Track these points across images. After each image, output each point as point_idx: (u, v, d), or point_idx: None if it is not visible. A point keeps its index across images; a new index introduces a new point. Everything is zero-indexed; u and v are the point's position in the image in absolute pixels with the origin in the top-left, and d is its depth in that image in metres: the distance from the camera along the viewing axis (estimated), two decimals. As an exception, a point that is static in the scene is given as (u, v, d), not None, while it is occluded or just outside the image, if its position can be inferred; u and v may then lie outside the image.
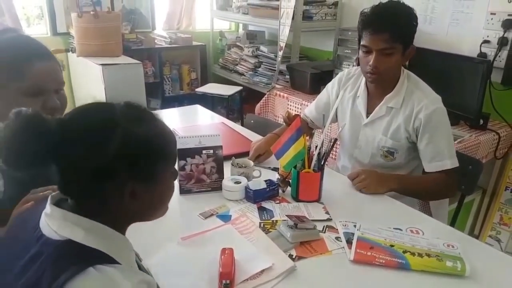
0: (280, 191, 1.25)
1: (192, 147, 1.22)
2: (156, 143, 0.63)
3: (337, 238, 1.04)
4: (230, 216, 1.13)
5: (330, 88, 1.59)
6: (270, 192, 1.22)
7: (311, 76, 2.56)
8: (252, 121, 2.06)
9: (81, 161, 0.58)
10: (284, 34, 2.69)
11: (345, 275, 0.93)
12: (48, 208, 0.61)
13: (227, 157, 1.32)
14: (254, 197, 1.18)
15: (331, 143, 1.24)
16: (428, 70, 2.04)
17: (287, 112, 1.33)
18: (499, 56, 2.03)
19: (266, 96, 2.77)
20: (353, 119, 1.49)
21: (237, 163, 1.31)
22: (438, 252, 0.97)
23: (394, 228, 1.08)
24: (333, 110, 1.32)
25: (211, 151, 1.24)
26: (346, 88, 1.52)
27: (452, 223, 1.63)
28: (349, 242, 1.01)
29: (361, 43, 1.32)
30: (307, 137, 1.23)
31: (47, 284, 0.53)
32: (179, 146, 1.21)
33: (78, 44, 2.89)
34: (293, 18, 2.63)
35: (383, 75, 1.32)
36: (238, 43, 3.52)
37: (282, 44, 2.73)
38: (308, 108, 1.69)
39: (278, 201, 1.21)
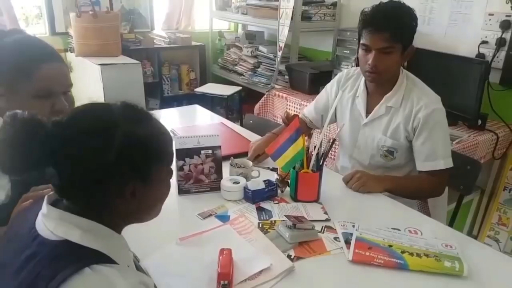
0: (279, 191, 1.25)
1: (191, 147, 1.22)
2: (155, 142, 0.63)
3: (336, 238, 1.04)
4: (229, 216, 1.13)
5: (329, 88, 1.60)
6: (269, 192, 1.22)
7: (310, 76, 2.56)
8: (251, 121, 2.06)
9: (82, 164, 0.58)
10: (283, 34, 2.69)
11: (343, 275, 0.93)
12: (45, 208, 0.61)
13: (226, 157, 1.33)
14: (253, 197, 1.18)
15: (330, 144, 1.24)
16: (426, 70, 2.04)
17: (286, 112, 1.33)
18: (497, 57, 2.04)
19: (265, 96, 2.77)
20: (352, 119, 1.49)
21: (236, 163, 1.32)
22: (436, 252, 0.97)
23: (392, 228, 1.09)
24: (332, 110, 1.32)
25: (210, 151, 1.24)
26: (345, 88, 1.52)
27: (451, 223, 1.63)
28: (347, 242, 1.01)
29: (361, 41, 1.32)
30: (306, 138, 1.23)
31: (44, 284, 0.53)
32: (178, 146, 1.21)
33: (76, 44, 2.88)
34: (292, 18, 2.64)
35: (382, 74, 1.32)
36: (237, 43, 3.52)
37: (281, 45, 2.73)
38: (307, 109, 1.70)
39: (276, 201, 1.21)
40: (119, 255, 0.62)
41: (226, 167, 1.29)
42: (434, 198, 1.72)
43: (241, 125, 2.10)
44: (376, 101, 1.42)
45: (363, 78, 1.44)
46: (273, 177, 1.28)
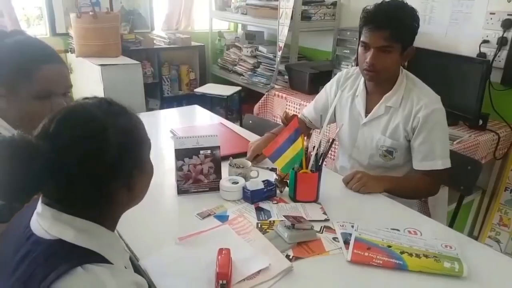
0: (277, 191, 1.25)
1: (190, 148, 1.22)
2: (139, 130, 0.65)
3: (335, 239, 1.03)
4: (228, 216, 1.12)
5: (329, 88, 1.59)
6: (268, 192, 1.21)
7: (309, 76, 2.56)
8: (250, 122, 2.05)
9: (85, 171, 0.57)
10: (283, 34, 2.69)
11: (342, 276, 0.92)
12: (40, 207, 0.61)
13: (225, 158, 1.32)
14: (252, 197, 1.18)
15: (329, 144, 1.23)
16: (427, 70, 2.04)
17: (285, 112, 1.32)
18: (499, 56, 2.03)
19: (264, 96, 2.77)
20: (351, 118, 1.49)
21: (235, 164, 1.31)
22: (436, 253, 0.96)
23: (391, 229, 1.08)
24: (331, 110, 1.32)
25: (209, 152, 1.23)
26: (345, 88, 1.52)
27: (451, 224, 1.62)
28: (346, 242, 1.01)
29: (361, 39, 1.31)
30: (305, 138, 1.23)
31: (37, 283, 0.53)
32: (177, 146, 1.21)
33: (77, 44, 2.89)
34: (291, 18, 2.63)
35: (380, 73, 1.31)
36: (237, 44, 3.51)
37: (281, 44, 2.72)
38: (307, 108, 1.69)
39: (275, 202, 1.21)
40: (114, 254, 0.62)
41: (225, 167, 1.29)
42: (434, 198, 1.71)
43: (241, 125, 2.10)
44: (375, 101, 1.41)
45: (363, 78, 1.43)
46: (272, 177, 1.27)
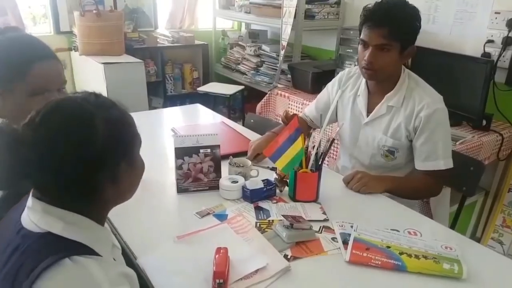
0: (277, 190, 1.24)
1: (190, 146, 1.22)
2: (127, 123, 0.65)
3: (334, 239, 1.03)
4: (227, 215, 1.12)
5: (331, 87, 1.58)
6: (267, 192, 1.21)
7: (312, 75, 2.55)
8: (252, 121, 2.05)
9: (71, 161, 0.57)
10: (286, 33, 2.68)
11: (340, 276, 0.92)
12: (30, 201, 0.62)
13: (226, 157, 1.32)
14: (251, 196, 1.18)
15: (329, 143, 1.23)
16: (430, 70, 2.02)
17: (285, 112, 1.32)
18: (503, 56, 2.00)
19: (267, 95, 2.76)
20: (353, 118, 1.48)
21: (235, 163, 1.31)
22: (435, 254, 0.95)
23: (391, 229, 1.07)
24: (331, 109, 1.31)
25: (209, 150, 1.23)
26: (347, 87, 1.51)
27: (453, 225, 1.61)
28: (345, 242, 1.00)
29: (360, 37, 1.31)
30: (305, 137, 1.22)
31: (25, 275, 0.54)
32: (177, 145, 1.21)
33: (80, 42, 2.90)
34: (295, 17, 2.62)
35: (378, 72, 1.30)
36: (240, 42, 3.51)
37: (284, 43, 2.72)
38: (308, 108, 1.69)
39: (275, 201, 1.20)
40: (102, 247, 0.62)
41: (225, 166, 1.29)
42: (436, 199, 1.70)
43: (243, 124, 2.10)
44: (377, 100, 1.40)
45: (365, 77, 1.42)
46: (272, 176, 1.27)
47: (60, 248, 0.56)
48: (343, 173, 1.49)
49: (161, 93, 3.53)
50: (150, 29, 3.54)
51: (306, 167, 1.19)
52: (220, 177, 1.25)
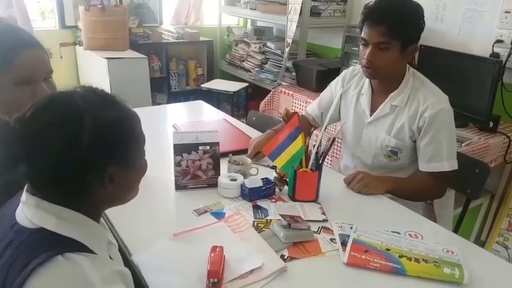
0: (277, 189, 1.22)
1: (189, 143, 1.20)
2: (125, 124, 0.63)
3: (332, 240, 1.01)
4: (224, 213, 1.10)
5: (334, 85, 1.56)
6: (266, 190, 1.19)
7: (317, 73, 2.52)
8: (254, 118, 2.03)
9: (56, 158, 0.56)
10: (291, 30, 2.65)
11: (337, 278, 0.90)
12: (24, 196, 0.61)
13: (226, 154, 1.30)
14: (250, 195, 1.16)
15: (330, 142, 1.20)
16: (437, 69, 1.99)
17: (286, 110, 1.30)
18: (512, 57, 1.96)
19: (271, 93, 2.74)
20: (356, 117, 1.45)
21: (234, 160, 1.29)
22: (436, 258, 0.93)
23: (392, 232, 1.05)
24: (332, 108, 1.28)
25: (208, 147, 1.21)
26: (350, 86, 1.49)
27: (457, 228, 1.58)
28: (344, 244, 0.98)
29: (361, 35, 1.28)
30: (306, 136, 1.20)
31: (18, 271, 0.53)
32: (175, 141, 1.19)
33: (85, 37, 2.90)
34: (300, 14, 2.59)
35: (378, 71, 1.28)
36: (245, 39, 3.48)
37: (289, 41, 2.69)
38: (311, 106, 1.66)
39: (274, 200, 1.18)
40: (97, 244, 0.61)
41: (225, 164, 1.27)
42: (440, 201, 1.68)
43: (246, 122, 2.08)
44: (381, 100, 1.38)
45: (368, 76, 1.39)
46: (272, 175, 1.25)
47: (53, 245, 0.55)
48: (345, 173, 1.47)
49: (165, 89, 3.52)
50: (155, 25, 3.52)
51: (306, 166, 1.17)
52: (219, 174, 1.23)
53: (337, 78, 1.56)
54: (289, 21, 2.66)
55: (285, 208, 1.14)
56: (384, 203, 1.24)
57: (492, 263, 0.99)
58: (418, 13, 1.24)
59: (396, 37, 1.22)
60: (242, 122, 1.95)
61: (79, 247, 0.57)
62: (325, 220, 1.09)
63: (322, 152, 1.20)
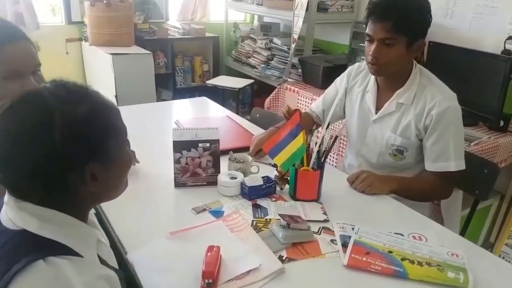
0: (278, 188, 1.20)
1: (188, 140, 1.18)
2: (101, 118, 0.60)
3: (333, 241, 0.98)
4: (223, 212, 1.08)
5: (339, 82, 1.53)
6: (267, 189, 1.17)
7: (323, 70, 2.48)
8: (258, 115, 2.00)
9: (29, 162, 0.54)
10: (298, 26, 2.61)
11: (336, 281, 0.87)
12: (6, 196, 0.59)
13: (227, 152, 1.28)
14: (249, 193, 1.14)
15: (332, 141, 1.17)
16: (447, 66, 1.94)
17: (287, 107, 1.27)
18: (525, 54, 1.90)
19: (276, 90, 2.71)
20: (361, 114, 1.42)
21: (235, 158, 1.27)
22: (440, 261, 0.90)
23: (395, 233, 1.02)
24: (334, 105, 1.25)
25: (208, 145, 1.19)
26: (356, 83, 1.45)
27: (464, 229, 1.53)
28: (344, 245, 0.95)
29: (366, 31, 1.25)
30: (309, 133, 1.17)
31: (0, 274, 0.51)
32: (175, 138, 1.18)
33: (90, 33, 2.90)
34: (307, 9, 2.55)
35: (383, 67, 1.24)
36: (252, 35, 3.45)
37: (295, 36, 2.65)
38: (315, 103, 1.63)
39: (274, 199, 1.16)
40: (84, 246, 0.59)
41: (226, 162, 1.25)
42: (447, 202, 1.63)
43: (250, 119, 2.05)
44: (386, 97, 1.34)
45: (374, 72, 1.36)
46: (273, 173, 1.22)
47: (35, 249, 0.54)
48: (349, 171, 1.44)
49: (170, 86, 3.51)
50: (161, 21, 3.51)
51: (308, 165, 1.14)
52: (219, 172, 1.21)
53: (342, 74, 1.53)
54: (296, 16, 2.63)
55: (286, 208, 1.11)
56: (388, 203, 1.20)
57: (499, 267, 0.95)
58: (424, 7, 1.20)
59: (402, 33, 1.18)
60: (247, 119, 1.92)
61: (62, 250, 0.55)
62: (326, 221, 1.06)
63: (324, 151, 1.17)
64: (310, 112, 1.60)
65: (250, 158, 1.29)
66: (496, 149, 1.81)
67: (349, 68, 1.51)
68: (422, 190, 1.31)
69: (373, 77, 1.38)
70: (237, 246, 0.93)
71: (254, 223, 1.04)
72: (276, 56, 3.07)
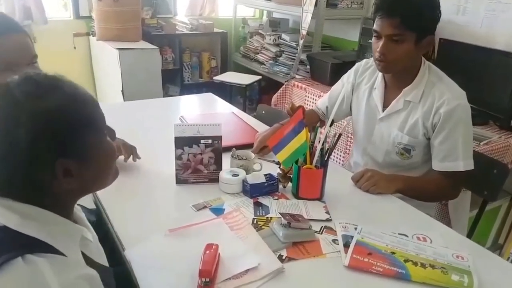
0: (280, 186, 1.18)
1: (190, 136, 1.17)
2: (69, 111, 0.57)
3: (334, 241, 0.96)
4: (224, 210, 1.07)
5: (346, 79, 1.50)
6: (269, 187, 1.15)
7: (331, 66, 2.45)
8: (263, 112, 1.98)
9: (1, 159, 0.53)
10: (306, 21, 2.58)
11: (336, 282, 0.85)
12: None
13: (229, 148, 1.27)
14: (251, 191, 1.12)
15: (335, 138, 1.15)
16: (457, 64, 1.90)
17: (291, 103, 1.25)
18: (539, 51, 1.84)
19: (283, 86, 2.68)
20: (368, 112, 1.39)
21: (238, 155, 1.25)
22: (444, 264, 0.87)
23: (399, 234, 1.00)
24: (338, 101, 1.22)
25: (210, 141, 1.18)
26: (363, 79, 1.43)
27: (472, 230, 1.50)
28: (346, 245, 0.93)
29: (373, 27, 1.22)
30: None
31: None
32: (176, 134, 1.17)
33: (98, 28, 2.90)
34: (316, 5, 2.52)
35: (391, 64, 1.21)
36: (260, 31, 3.42)
37: (304, 32, 2.62)
38: (321, 100, 1.61)
39: (276, 197, 1.14)
40: (66, 242, 0.58)
41: (228, 158, 1.24)
42: (455, 202, 1.60)
43: (256, 116, 2.03)
44: (394, 95, 1.31)
45: (382, 69, 1.33)
46: (276, 171, 1.21)
47: (14, 245, 0.52)
48: (355, 170, 1.42)
49: (178, 82, 3.51)
50: (169, 16, 3.50)
51: (311, 163, 1.13)
52: (221, 169, 1.20)
53: (349, 71, 1.50)
54: (304, 12, 2.59)
55: (287, 206, 1.10)
56: (392, 203, 1.18)
57: (505, 270, 0.92)
58: (433, 2, 1.16)
59: (410, 29, 1.15)
60: (254, 116, 1.90)
61: (43, 248, 0.54)
62: (328, 220, 1.04)
63: (328, 148, 1.15)
64: (316, 109, 1.58)
65: (252, 155, 1.28)
66: (507, 149, 1.77)
67: (356, 65, 1.48)
68: (428, 190, 1.28)
69: (380, 74, 1.35)
70: (236, 245, 0.92)
71: (255, 221, 1.02)
72: (284, 52, 3.04)
